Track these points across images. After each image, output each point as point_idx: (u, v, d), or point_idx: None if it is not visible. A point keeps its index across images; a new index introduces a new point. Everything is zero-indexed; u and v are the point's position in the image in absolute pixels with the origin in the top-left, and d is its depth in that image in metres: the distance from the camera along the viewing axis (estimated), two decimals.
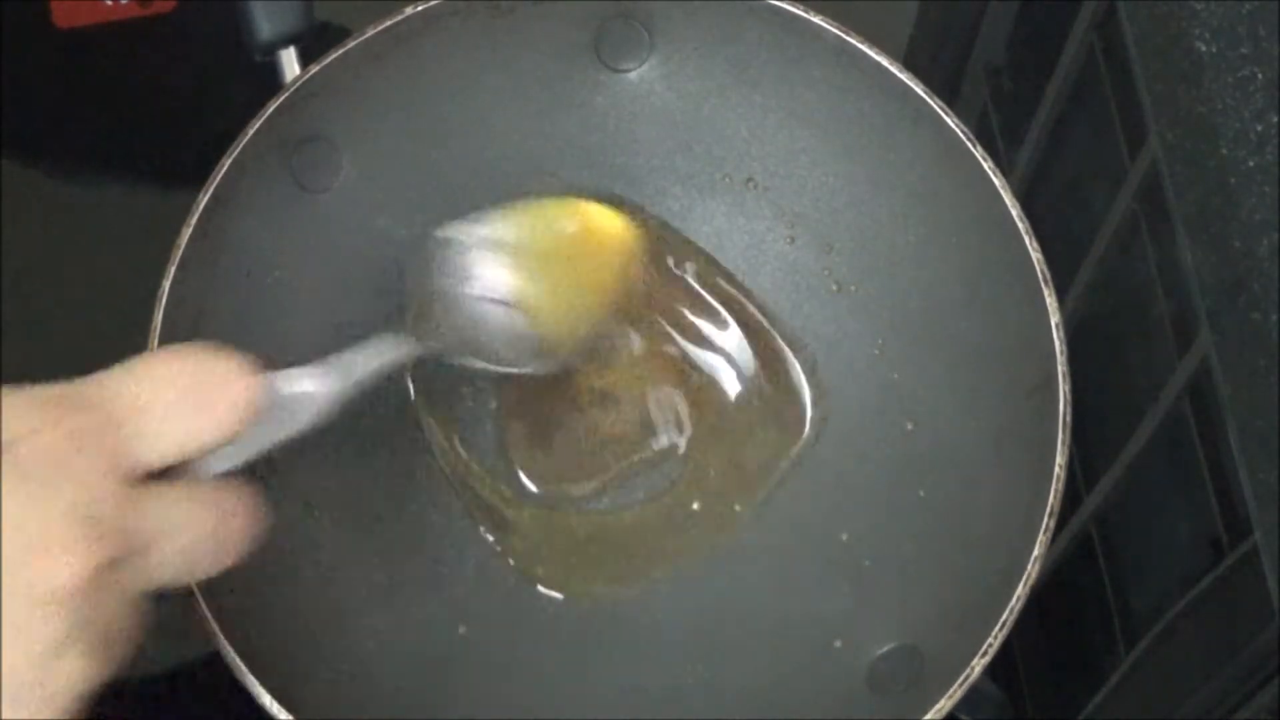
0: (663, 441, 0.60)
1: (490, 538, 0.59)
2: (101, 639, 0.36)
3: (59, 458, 0.35)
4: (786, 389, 0.60)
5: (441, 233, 0.53)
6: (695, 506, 0.60)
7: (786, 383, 0.60)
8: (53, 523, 0.34)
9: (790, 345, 0.61)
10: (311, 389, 0.44)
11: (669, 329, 0.60)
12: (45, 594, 0.34)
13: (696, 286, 0.61)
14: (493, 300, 0.52)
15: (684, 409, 0.60)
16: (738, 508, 0.60)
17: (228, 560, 0.40)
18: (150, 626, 0.38)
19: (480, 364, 0.53)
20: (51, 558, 0.34)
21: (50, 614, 0.34)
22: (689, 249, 0.61)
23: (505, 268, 0.53)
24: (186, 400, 0.38)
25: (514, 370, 0.54)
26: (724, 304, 0.61)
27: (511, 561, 0.59)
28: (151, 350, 0.39)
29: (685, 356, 0.60)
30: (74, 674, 0.35)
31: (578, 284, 0.55)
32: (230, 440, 0.39)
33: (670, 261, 0.61)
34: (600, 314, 0.56)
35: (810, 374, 0.60)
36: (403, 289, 0.54)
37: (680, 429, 0.60)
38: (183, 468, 0.39)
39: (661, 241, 0.61)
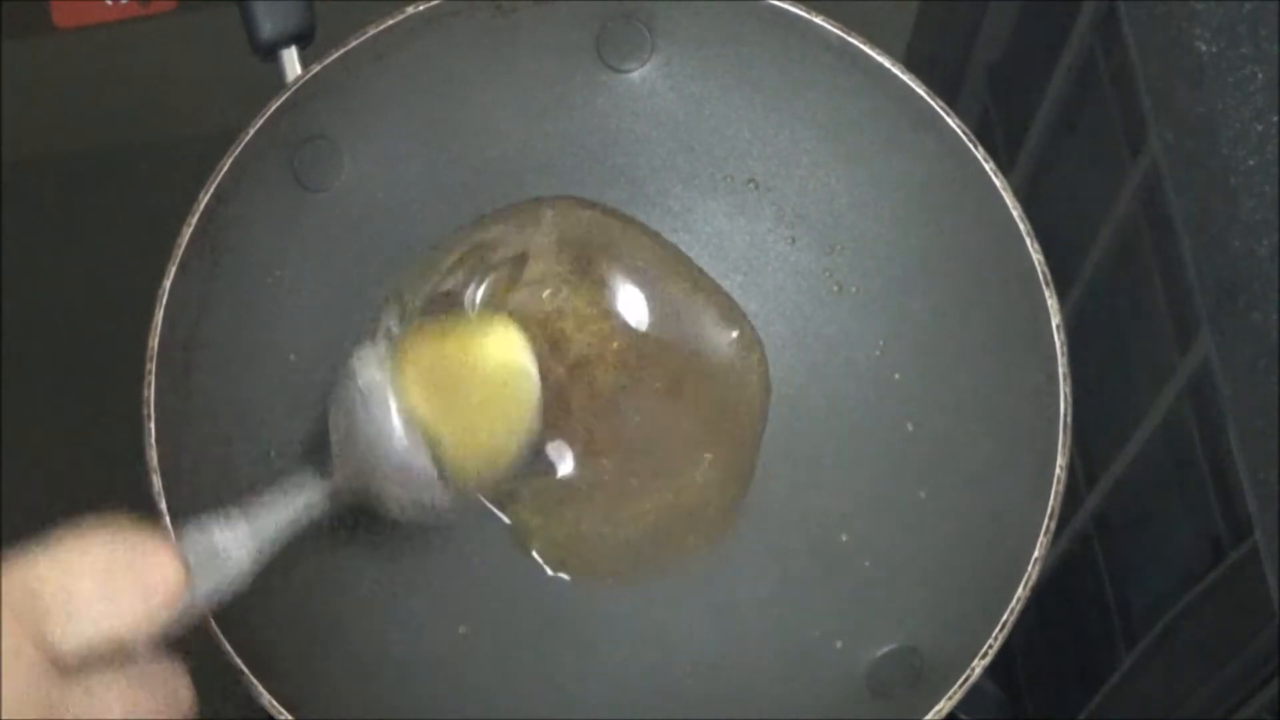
0: None
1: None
2: None
3: None
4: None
5: (353, 362, 0.50)
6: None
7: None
8: None
9: None
10: (231, 548, 0.43)
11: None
12: None
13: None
14: (398, 439, 0.49)
15: None
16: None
17: None
18: None
19: (390, 510, 0.50)
20: None
21: None
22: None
23: (408, 402, 0.49)
24: (104, 592, 0.37)
25: (418, 520, 0.51)
26: None
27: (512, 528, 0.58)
28: (71, 534, 0.37)
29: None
30: None
31: (488, 421, 0.53)
32: (156, 629, 0.38)
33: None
34: (513, 454, 0.53)
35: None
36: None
37: None
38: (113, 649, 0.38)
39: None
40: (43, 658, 0.36)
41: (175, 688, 0.39)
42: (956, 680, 0.50)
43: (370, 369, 0.49)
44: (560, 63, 0.59)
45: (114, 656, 0.38)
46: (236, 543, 0.43)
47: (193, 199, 0.54)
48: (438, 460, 0.49)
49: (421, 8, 0.56)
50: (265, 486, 0.46)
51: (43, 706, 0.35)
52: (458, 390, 0.52)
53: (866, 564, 0.57)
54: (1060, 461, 0.51)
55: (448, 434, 0.50)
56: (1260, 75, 0.54)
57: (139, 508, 0.51)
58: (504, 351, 0.54)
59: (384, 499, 0.49)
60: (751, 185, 0.61)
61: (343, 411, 0.49)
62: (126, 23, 0.72)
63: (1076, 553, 0.64)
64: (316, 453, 0.51)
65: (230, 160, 0.54)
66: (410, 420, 0.49)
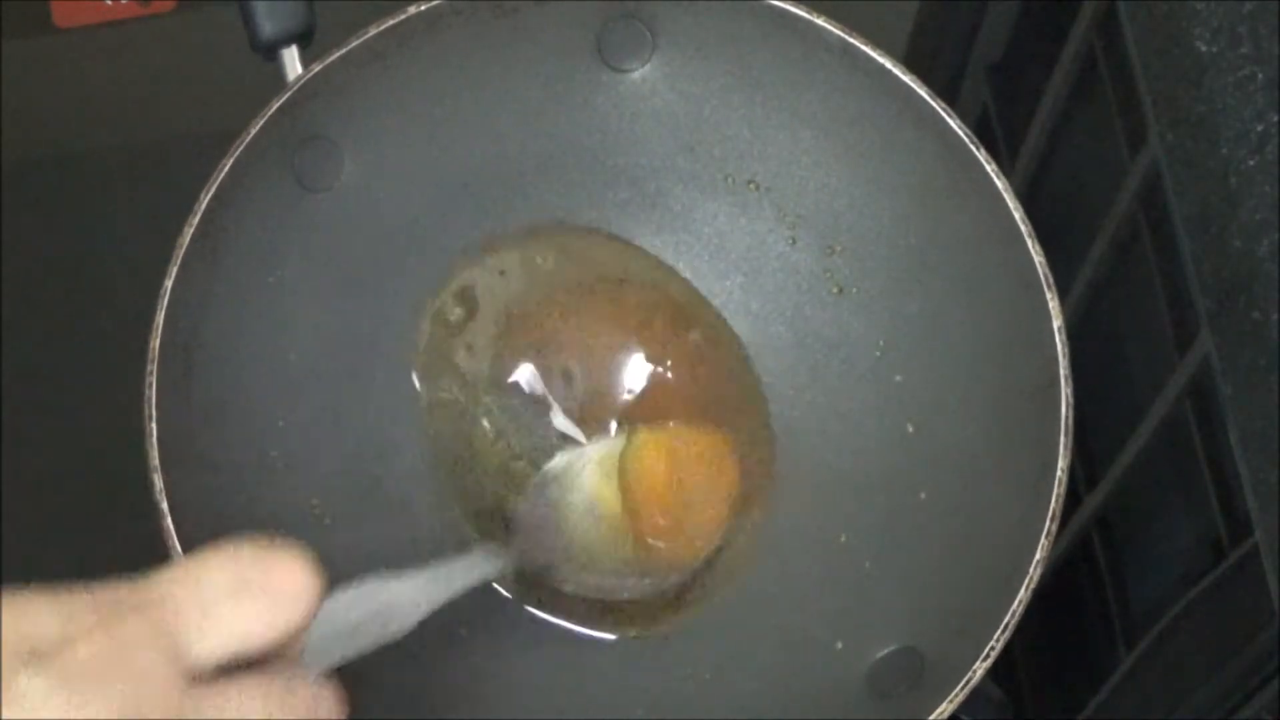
0: None
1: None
2: None
3: (110, 662, 0.34)
4: None
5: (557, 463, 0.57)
6: None
7: None
8: None
9: None
10: (411, 599, 0.43)
11: None
12: None
13: None
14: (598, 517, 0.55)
15: None
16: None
17: None
18: None
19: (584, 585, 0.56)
20: None
21: None
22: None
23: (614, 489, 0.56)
24: (239, 595, 0.36)
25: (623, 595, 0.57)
26: None
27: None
28: (207, 548, 0.38)
29: None
30: None
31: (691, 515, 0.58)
32: (293, 635, 0.38)
33: None
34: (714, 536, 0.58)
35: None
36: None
37: None
38: (259, 660, 0.38)
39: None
40: (174, 667, 0.35)
41: (320, 701, 0.39)
42: (958, 682, 0.49)
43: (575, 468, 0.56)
44: (560, 63, 0.59)
45: (250, 664, 0.37)
46: (416, 593, 0.44)
47: (193, 199, 0.54)
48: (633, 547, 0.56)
49: (422, 8, 0.56)
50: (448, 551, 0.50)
51: (169, 710, 0.35)
52: (663, 485, 0.58)
53: (867, 565, 0.57)
54: (1061, 464, 0.51)
55: (646, 527, 0.56)
56: (1260, 75, 0.54)
57: (139, 507, 0.51)
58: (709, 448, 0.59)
59: (562, 580, 0.55)
60: (751, 185, 0.61)
61: (544, 499, 0.56)
62: (126, 23, 0.72)
63: (1076, 553, 0.64)
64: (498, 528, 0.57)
65: (231, 160, 0.54)
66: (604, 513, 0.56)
